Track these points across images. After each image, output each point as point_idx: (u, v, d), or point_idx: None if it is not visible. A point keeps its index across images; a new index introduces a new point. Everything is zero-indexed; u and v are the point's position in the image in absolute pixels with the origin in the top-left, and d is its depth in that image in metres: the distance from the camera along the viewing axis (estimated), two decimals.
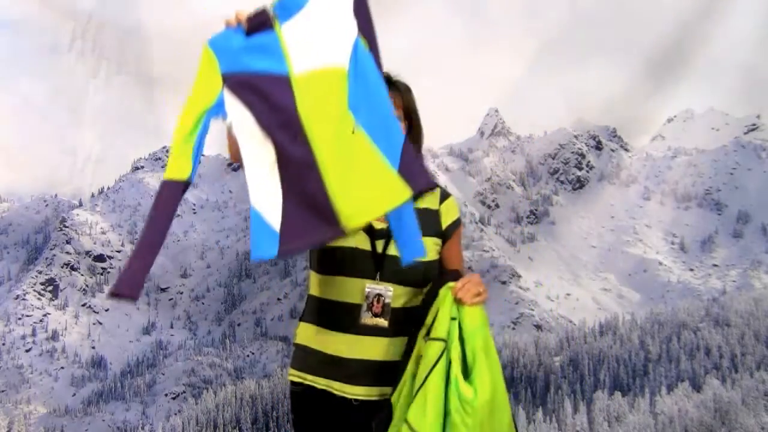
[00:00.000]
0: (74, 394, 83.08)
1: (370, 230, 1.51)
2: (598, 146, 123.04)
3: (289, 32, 1.31)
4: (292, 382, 1.52)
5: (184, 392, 71.92)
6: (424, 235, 1.47)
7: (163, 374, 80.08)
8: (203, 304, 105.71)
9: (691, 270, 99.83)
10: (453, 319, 1.42)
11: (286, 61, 1.30)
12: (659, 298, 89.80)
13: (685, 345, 45.61)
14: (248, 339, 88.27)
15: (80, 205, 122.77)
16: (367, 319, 1.46)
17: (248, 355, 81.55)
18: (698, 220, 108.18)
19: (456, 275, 1.45)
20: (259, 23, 1.31)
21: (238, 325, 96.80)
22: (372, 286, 1.48)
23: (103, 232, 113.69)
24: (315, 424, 1.50)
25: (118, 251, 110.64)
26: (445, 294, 1.44)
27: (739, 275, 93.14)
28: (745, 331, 43.86)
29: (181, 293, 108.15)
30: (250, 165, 1.29)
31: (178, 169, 1.28)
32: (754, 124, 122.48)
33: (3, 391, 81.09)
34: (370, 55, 1.32)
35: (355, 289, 1.47)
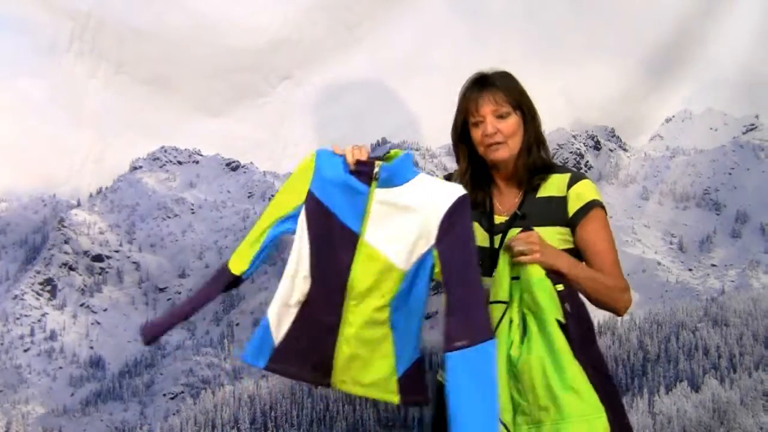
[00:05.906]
0: (72, 394, 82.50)
1: (489, 226, 1.46)
2: (597, 146, 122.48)
3: (379, 198, 1.32)
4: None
5: (183, 392, 71.32)
6: (544, 225, 1.42)
7: (162, 374, 79.62)
8: None
9: (690, 270, 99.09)
10: (515, 278, 1.34)
11: (362, 223, 1.32)
12: (658, 297, 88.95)
13: (683, 345, 45.32)
14: (247, 339, 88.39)
15: (78, 205, 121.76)
16: None
17: None
18: (697, 219, 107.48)
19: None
20: (362, 172, 1.33)
21: (237, 325, 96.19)
22: (489, 284, 1.38)
23: (101, 232, 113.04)
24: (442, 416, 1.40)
25: (116, 251, 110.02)
26: (501, 254, 1.36)
27: (738, 275, 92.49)
28: (743, 331, 43.60)
29: (179, 293, 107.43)
30: (286, 278, 1.36)
31: (235, 263, 1.38)
32: (752, 124, 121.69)
33: (1, 391, 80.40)
34: (431, 268, 1.32)
35: None
